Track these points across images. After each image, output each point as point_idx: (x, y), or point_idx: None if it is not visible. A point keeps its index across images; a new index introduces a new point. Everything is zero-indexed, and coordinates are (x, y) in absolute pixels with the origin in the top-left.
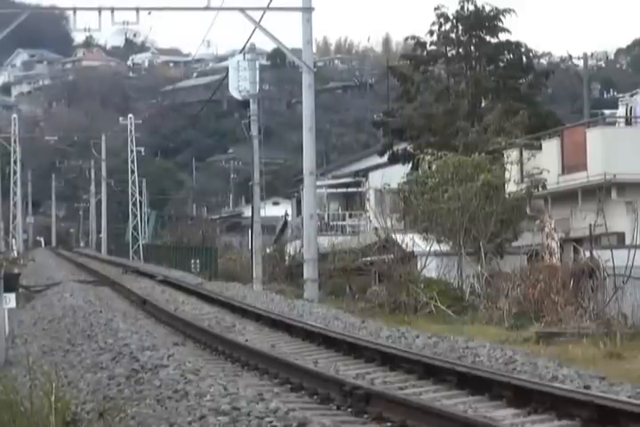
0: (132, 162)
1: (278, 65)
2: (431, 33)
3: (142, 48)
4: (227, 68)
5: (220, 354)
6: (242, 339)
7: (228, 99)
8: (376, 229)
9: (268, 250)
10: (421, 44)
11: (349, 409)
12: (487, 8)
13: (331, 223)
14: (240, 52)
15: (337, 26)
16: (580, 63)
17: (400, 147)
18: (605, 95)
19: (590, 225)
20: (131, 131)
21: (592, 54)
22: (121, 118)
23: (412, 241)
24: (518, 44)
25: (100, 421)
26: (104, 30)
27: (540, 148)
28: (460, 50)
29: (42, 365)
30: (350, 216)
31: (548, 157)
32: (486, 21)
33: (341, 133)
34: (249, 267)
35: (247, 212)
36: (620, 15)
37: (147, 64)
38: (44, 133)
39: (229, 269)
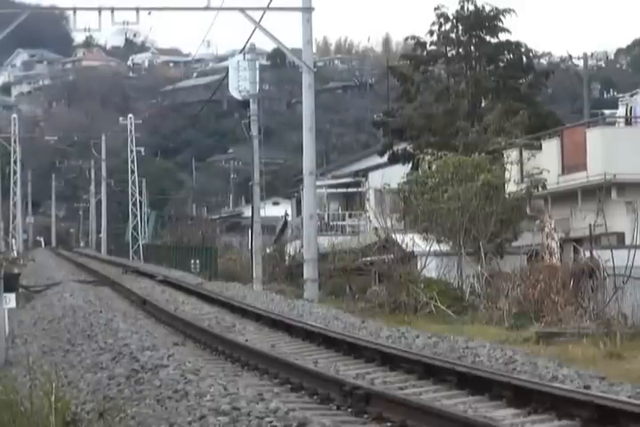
0: (132, 162)
1: (278, 65)
2: (431, 33)
3: (142, 48)
4: (227, 68)
5: (220, 354)
6: (242, 339)
7: (228, 99)
8: (376, 229)
9: (267, 250)
10: (421, 44)
11: (349, 409)
12: (487, 8)
13: (331, 223)
14: (240, 52)
15: (337, 26)
16: (580, 63)
17: (400, 147)
18: (605, 95)
19: (590, 225)
20: (131, 131)
21: (592, 54)
22: (121, 118)
23: (412, 241)
24: (518, 44)
25: (100, 421)
26: (104, 30)
27: (539, 148)
28: (460, 50)
29: (42, 365)
30: (350, 216)
31: (547, 157)
32: (486, 21)
33: (341, 133)
34: (249, 267)
35: (247, 212)
36: (620, 15)
37: (147, 64)
38: (44, 133)
39: (229, 269)
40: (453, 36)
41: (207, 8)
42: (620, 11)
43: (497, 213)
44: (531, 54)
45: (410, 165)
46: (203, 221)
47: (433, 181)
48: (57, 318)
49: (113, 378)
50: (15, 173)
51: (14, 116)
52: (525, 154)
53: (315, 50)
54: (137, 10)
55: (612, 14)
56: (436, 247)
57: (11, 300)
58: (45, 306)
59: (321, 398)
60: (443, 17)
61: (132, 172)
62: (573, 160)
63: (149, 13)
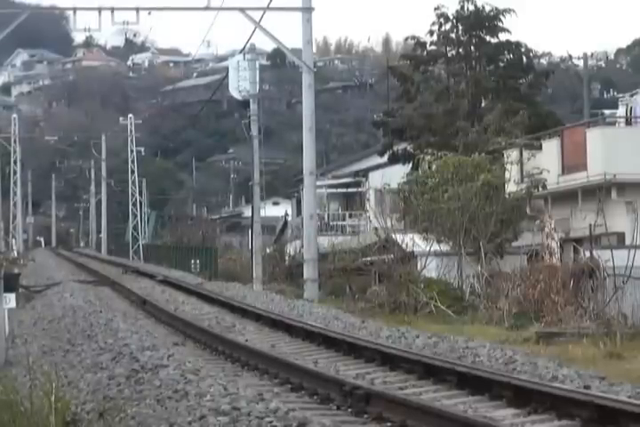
0: (132, 162)
1: (278, 65)
2: (431, 33)
3: (142, 48)
4: (227, 68)
5: (220, 354)
6: (242, 339)
7: (228, 99)
8: (376, 229)
9: (267, 250)
10: (421, 44)
11: (349, 409)
12: (487, 8)
13: (331, 223)
14: (240, 52)
15: (337, 26)
16: (580, 63)
17: (400, 147)
18: (605, 95)
19: (590, 225)
20: (131, 131)
21: (592, 54)
22: (121, 118)
23: (412, 241)
24: (518, 44)
25: (100, 421)
26: (104, 30)
27: (540, 148)
28: (460, 50)
29: (42, 365)
30: (350, 216)
31: (548, 157)
32: (486, 21)
33: (341, 133)
34: (249, 267)
35: (247, 212)
36: (620, 15)
37: (147, 64)
38: (44, 133)
39: (229, 269)
40: (453, 36)
41: (207, 8)
42: (620, 11)
43: (497, 213)
44: (531, 54)
45: (410, 165)
46: (203, 221)
47: (433, 181)
48: (57, 318)
49: (113, 378)
50: (15, 173)
51: (14, 116)
52: (525, 154)
53: (315, 50)
54: (137, 10)
55: (612, 14)
56: (436, 247)
57: (11, 300)
58: (45, 306)
59: (321, 398)
60: (443, 17)
61: (132, 172)
62: (573, 160)
63: (149, 13)
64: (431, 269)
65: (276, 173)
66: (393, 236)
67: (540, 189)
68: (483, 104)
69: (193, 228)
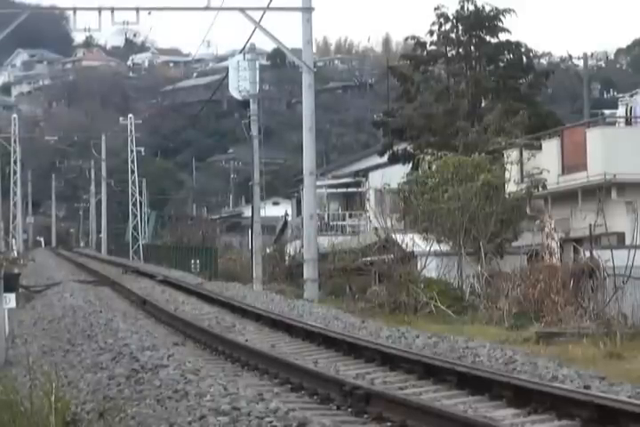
0: (132, 162)
1: (278, 65)
2: (431, 33)
3: (142, 48)
4: (227, 68)
5: (220, 354)
6: (242, 339)
7: (228, 99)
8: (376, 229)
9: (267, 250)
10: (421, 44)
11: (349, 409)
12: (487, 8)
13: (331, 223)
14: (240, 52)
15: (337, 26)
16: (580, 63)
17: (400, 147)
18: (605, 95)
19: (590, 225)
20: (131, 131)
21: (592, 54)
22: (121, 118)
23: (412, 241)
24: (518, 44)
25: (100, 421)
26: (104, 30)
27: (540, 148)
28: (460, 50)
29: (42, 365)
30: (350, 216)
31: (548, 157)
32: (486, 21)
33: (341, 133)
34: (249, 267)
35: (247, 212)
36: (620, 15)
37: (147, 64)
38: (44, 133)
39: (229, 269)
40: (453, 36)
41: (207, 8)
42: (620, 11)
43: (497, 213)
44: (531, 54)
45: (410, 165)
46: (203, 221)
47: (433, 181)
48: (57, 318)
49: (113, 378)
50: (15, 173)
51: (14, 116)
52: (525, 154)
53: (315, 50)
54: (137, 10)
55: (612, 14)
56: (436, 247)
57: (11, 300)
58: (45, 306)
59: (321, 398)
60: (443, 17)
61: (132, 172)
62: (573, 160)
63: (149, 13)
64: (431, 269)
65: (276, 173)
66: (393, 236)
67: (540, 189)
68: (483, 104)
69: (193, 228)
